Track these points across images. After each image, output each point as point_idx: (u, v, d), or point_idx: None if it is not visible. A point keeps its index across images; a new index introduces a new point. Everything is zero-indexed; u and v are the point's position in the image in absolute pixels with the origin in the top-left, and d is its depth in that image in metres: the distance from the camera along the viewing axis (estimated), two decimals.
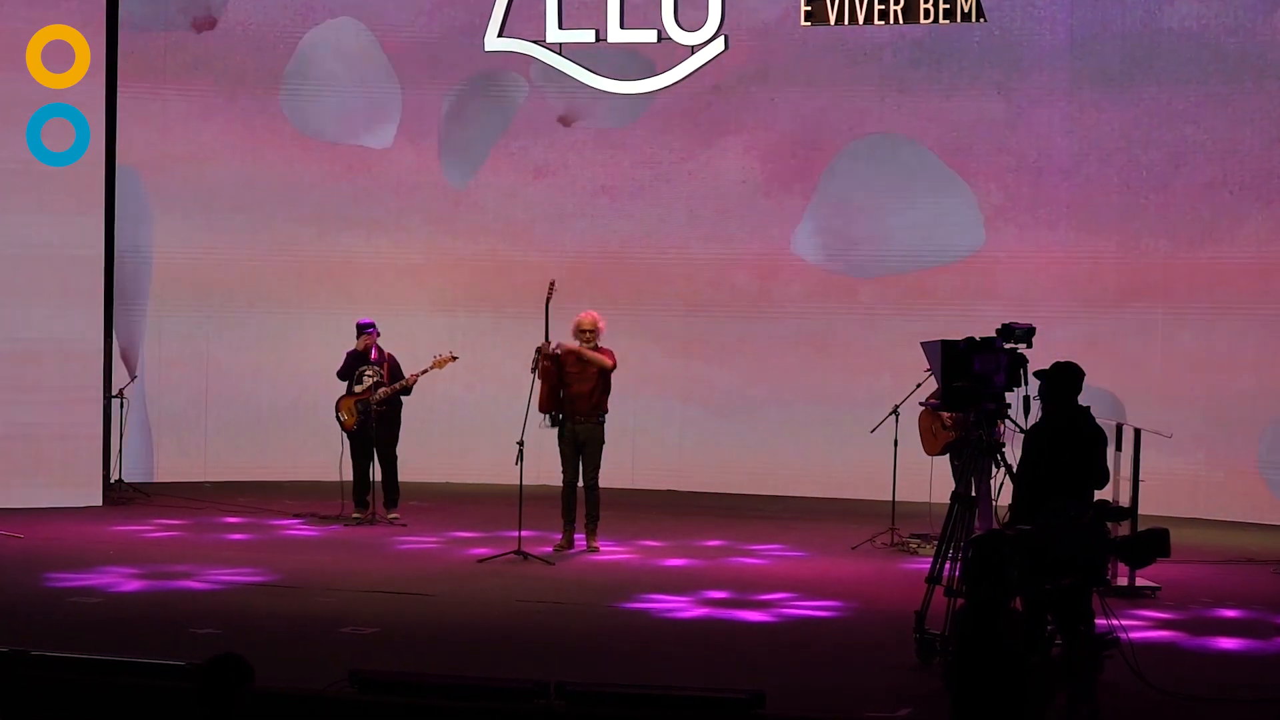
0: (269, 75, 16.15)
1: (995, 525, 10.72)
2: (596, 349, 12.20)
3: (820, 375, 15.69)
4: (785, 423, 15.77)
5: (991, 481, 11.23)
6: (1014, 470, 8.73)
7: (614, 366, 12.20)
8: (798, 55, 15.72)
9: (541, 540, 12.23)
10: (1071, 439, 8.31)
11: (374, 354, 13.54)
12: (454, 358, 13.38)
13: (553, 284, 12.18)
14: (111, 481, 14.76)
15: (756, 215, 15.91)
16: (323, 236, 16.25)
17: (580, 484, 12.26)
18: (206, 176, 15.98)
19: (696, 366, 16.08)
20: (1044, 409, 8.48)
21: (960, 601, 7.86)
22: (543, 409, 12.14)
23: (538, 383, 12.05)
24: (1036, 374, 8.57)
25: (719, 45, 15.03)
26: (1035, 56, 15.17)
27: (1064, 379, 8.40)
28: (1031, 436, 8.47)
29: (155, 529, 13.17)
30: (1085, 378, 8.49)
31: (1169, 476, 13.66)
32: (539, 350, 12.04)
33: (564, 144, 16.25)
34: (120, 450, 14.91)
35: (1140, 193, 14.91)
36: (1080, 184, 15.09)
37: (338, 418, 13.58)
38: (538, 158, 16.28)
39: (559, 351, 12.10)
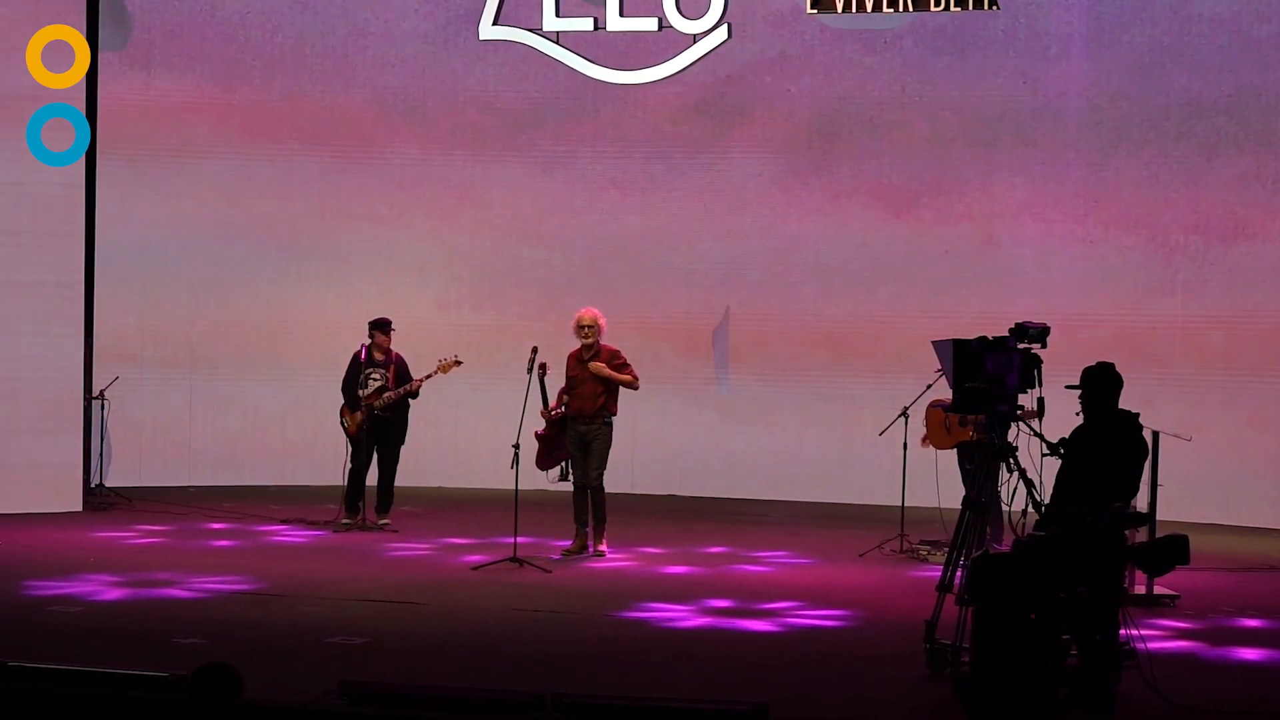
0: (265, 66, 16.17)
1: (1008, 531, 10.77)
2: (599, 349, 12.32)
3: (840, 375, 15.66)
4: (800, 425, 15.76)
5: (1004, 487, 11.24)
6: (1027, 475, 8.74)
7: (636, 385, 12.45)
8: (814, 44, 15.72)
9: (538, 547, 12.25)
10: (1116, 447, 8.26)
11: (380, 354, 13.53)
12: (458, 362, 13.41)
13: (538, 358, 12.30)
14: (92, 486, 14.77)
15: (771, 210, 15.90)
16: (323, 231, 16.25)
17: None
18: (200, 170, 16.00)
19: (709, 366, 16.05)
20: (1086, 415, 8.43)
21: (972, 611, 7.89)
22: (541, 466, 12.53)
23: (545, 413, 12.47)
24: (1071, 387, 8.50)
25: (722, 34, 15.03)
26: (1061, 45, 15.15)
27: (1102, 382, 8.36)
28: (1077, 441, 8.40)
29: (137, 535, 13.18)
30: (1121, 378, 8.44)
31: (1190, 481, 13.67)
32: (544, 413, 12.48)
33: (573, 136, 16.22)
34: (101, 453, 14.92)
35: (1171, 186, 14.91)
36: (1109, 177, 15.08)
37: (341, 423, 13.61)
38: (546, 151, 16.27)
39: (560, 414, 12.37)
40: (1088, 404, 8.40)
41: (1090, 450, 8.27)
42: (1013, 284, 15.09)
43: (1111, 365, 8.43)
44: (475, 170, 16.36)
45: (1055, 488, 8.39)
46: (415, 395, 13.52)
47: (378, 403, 13.39)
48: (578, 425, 12.34)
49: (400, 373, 13.52)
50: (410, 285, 16.20)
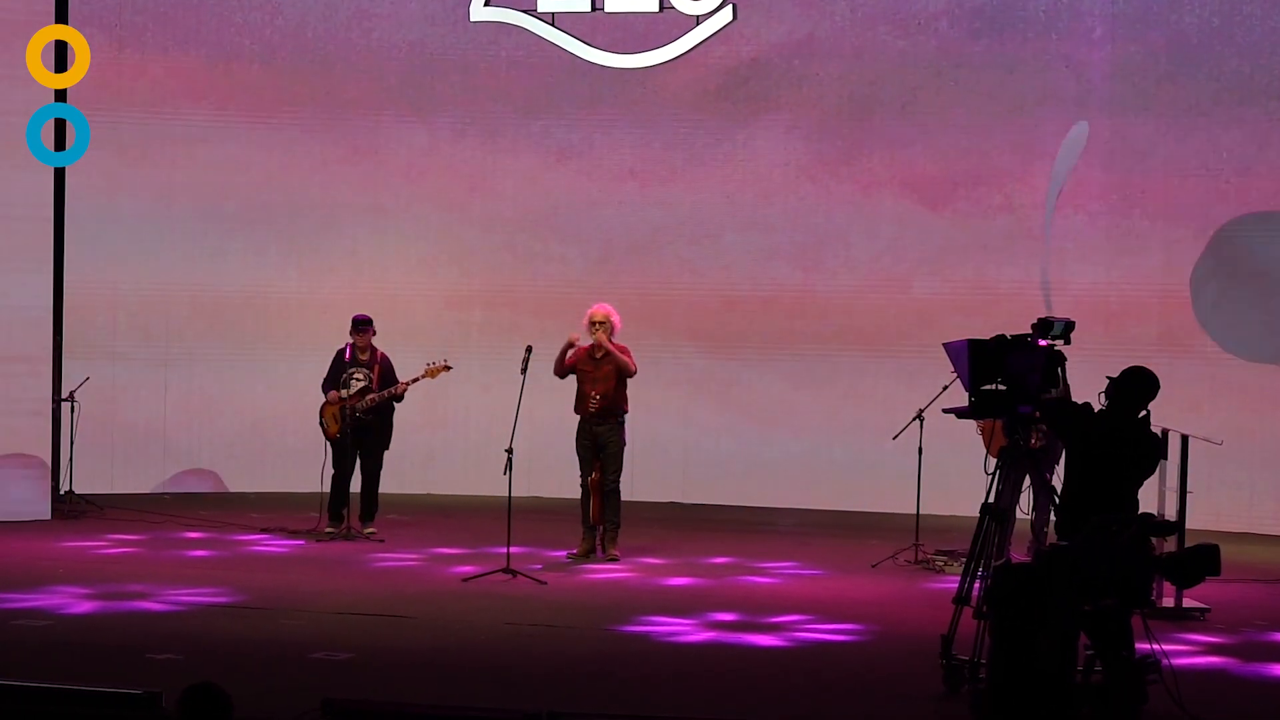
0: (265, 50, 16.16)
1: (1042, 542, 10.84)
2: (611, 348, 12.53)
3: (869, 378, 15.62)
4: (825, 430, 15.73)
5: (1027, 493, 11.28)
6: (1045, 480, 8.76)
7: (634, 371, 12.56)
8: (844, 26, 15.70)
9: (532, 557, 12.27)
10: (1122, 452, 8.30)
11: (364, 354, 13.52)
12: (448, 367, 13.40)
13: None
14: (61, 493, 14.78)
15: (799, 201, 15.87)
16: (325, 226, 16.24)
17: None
18: (195, 162, 16.00)
19: (730, 367, 16.02)
20: (1109, 409, 8.46)
21: (990, 624, 7.90)
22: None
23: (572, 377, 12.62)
24: (1111, 379, 8.52)
25: (726, 15, 15.03)
26: (1106, 27, 15.13)
27: (1134, 386, 8.36)
28: (1082, 423, 8.45)
29: (109, 545, 13.19)
30: (1158, 388, 8.43)
31: (1226, 486, 13.69)
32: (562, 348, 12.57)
33: (589, 124, 16.17)
34: (71, 459, 14.92)
35: (1221, 175, 14.89)
36: (1156, 165, 15.05)
37: (321, 424, 13.61)
38: (560, 139, 16.24)
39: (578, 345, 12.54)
40: (1112, 402, 8.41)
41: (1099, 446, 8.29)
42: (1054, 278, 15.06)
43: (1148, 372, 8.42)
44: (486, 160, 16.33)
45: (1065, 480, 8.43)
46: (400, 399, 13.51)
47: (360, 405, 13.39)
48: (592, 426, 12.49)
49: (385, 374, 13.50)
50: (417, 282, 16.20)
